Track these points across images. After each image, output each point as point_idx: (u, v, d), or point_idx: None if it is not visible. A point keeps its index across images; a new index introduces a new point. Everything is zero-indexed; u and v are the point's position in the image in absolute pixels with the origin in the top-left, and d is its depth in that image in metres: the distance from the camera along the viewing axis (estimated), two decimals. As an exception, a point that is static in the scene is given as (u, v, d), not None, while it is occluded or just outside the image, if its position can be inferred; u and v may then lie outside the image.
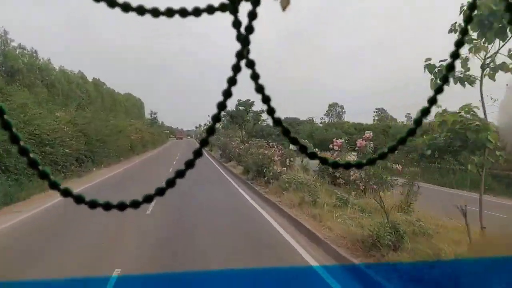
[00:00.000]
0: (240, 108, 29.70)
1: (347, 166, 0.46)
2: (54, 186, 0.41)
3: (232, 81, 0.47)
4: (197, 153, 0.45)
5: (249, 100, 30.24)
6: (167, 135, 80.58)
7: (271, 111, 0.46)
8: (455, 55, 0.47)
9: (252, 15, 0.47)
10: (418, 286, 3.37)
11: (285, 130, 0.45)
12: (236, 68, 0.47)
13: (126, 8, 0.44)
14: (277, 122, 0.46)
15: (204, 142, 0.45)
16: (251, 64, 0.46)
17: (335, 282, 3.85)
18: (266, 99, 0.46)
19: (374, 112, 58.94)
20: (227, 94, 0.46)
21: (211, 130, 0.45)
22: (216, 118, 0.45)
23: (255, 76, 0.46)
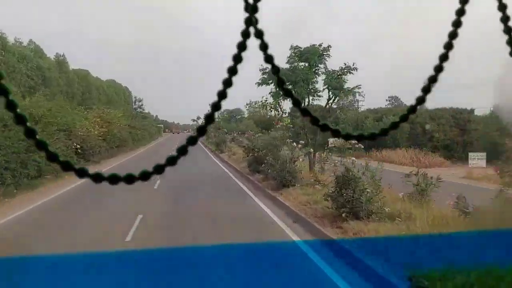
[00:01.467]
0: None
1: (359, 137, 0.51)
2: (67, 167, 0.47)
3: (242, 47, 0.52)
4: (191, 140, 0.50)
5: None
6: (160, 130, 79.90)
7: (281, 82, 0.51)
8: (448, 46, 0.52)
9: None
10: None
11: (295, 101, 0.51)
12: (246, 35, 0.52)
13: None
14: (288, 92, 0.51)
15: (201, 130, 0.50)
16: (259, 34, 0.52)
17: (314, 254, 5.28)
18: (275, 70, 0.51)
19: (386, 100, 58.59)
20: (238, 59, 0.51)
21: (210, 118, 0.50)
22: (215, 107, 0.50)
23: (264, 46, 0.52)
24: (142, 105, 69.23)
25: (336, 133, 0.53)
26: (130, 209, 8.37)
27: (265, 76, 14.55)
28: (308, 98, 15.09)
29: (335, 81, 14.40)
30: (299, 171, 11.64)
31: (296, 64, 14.66)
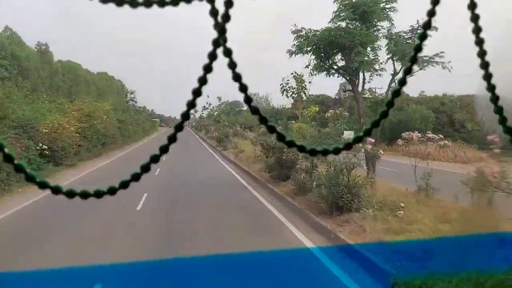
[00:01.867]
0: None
1: (325, 152, 0.60)
2: (30, 179, 0.56)
3: (208, 69, 0.61)
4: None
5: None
6: (155, 124, 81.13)
7: (248, 100, 0.60)
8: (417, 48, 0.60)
9: (229, 3, 0.61)
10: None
11: (262, 118, 0.60)
12: (212, 56, 0.61)
13: None
14: (255, 110, 0.60)
15: (179, 127, 0.60)
16: (228, 53, 0.61)
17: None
18: (243, 88, 0.60)
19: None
20: (203, 81, 0.61)
21: (186, 116, 0.60)
22: (191, 105, 0.60)
23: (232, 65, 0.61)
24: (134, 97, 69.01)
25: (301, 149, 0.62)
26: (136, 190, 9.57)
27: (301, 41, 11.53)
28: (363, 75, 11.29)
29: (404, 47, 10.54)
30: (362, 186, 8.22)
31: (346, 22, 10.83)
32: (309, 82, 15.54)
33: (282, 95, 17.29)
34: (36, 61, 33.53)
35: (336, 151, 0.61)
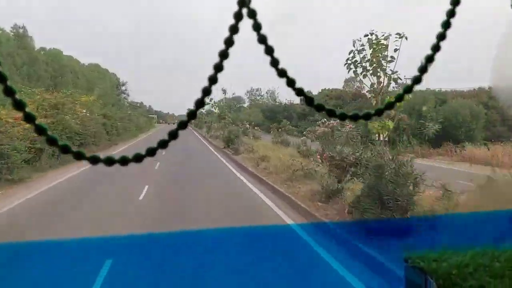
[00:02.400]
0: None
1: (355, 117, 0.68)
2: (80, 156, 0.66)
3: (234, 29, 0.68)
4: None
5: None
6: (152, 121, 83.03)
7: (275, 63, 0.68)
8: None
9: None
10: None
11: (289, 81, 0.67)
12: (238, 16, 0.69)
13: None
14: (282, 73, 0.68)
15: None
16: (252, 14, 0.68)
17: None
18: (269, 50, 0.68)
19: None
20: (229, 43, 0.68)
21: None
22: (219, 67, 0.67)
23: (257, 26, 0.69)
24: (126, 90, 70.45)
25: (331, 113, 0.70)
26: (139, 182, 13.41)
27: None
28: None
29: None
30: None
31: None
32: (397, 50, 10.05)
33: (348, 72, 11.12)
34: (10, 46, 33.77)
35: (367, 117, 0.68)
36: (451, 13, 0.68)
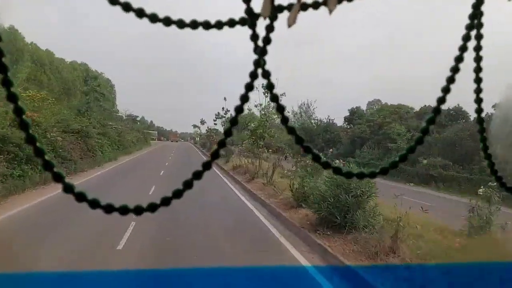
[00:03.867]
0: None
1: (360, 175, 0.71)
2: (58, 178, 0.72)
3: (249, 87, 0.75)
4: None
5: None
6: (147, 137, 74.40)
7: (285, 120, 0.73)
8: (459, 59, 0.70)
9: (270, 28, 0.76)
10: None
11: (298, 138, 0.72)
12: (253, 76, 0.76)
13: (154, 19, 0.74)
14: (291, 130, 0.73)
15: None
16: (267, 74, 0.75)
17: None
18: (280, 108, 0.74)
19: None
20: (245, 99, 0.75)
21: (229, 133, 0.73)
22: (234, 121, 0.73)
23: (270, 86, 0.75)
24: (99, 85, 49.94)
25: (337, 171, 0.73)
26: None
27: None
28: None
29: None
30: None
31: None
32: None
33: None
34: None
35: (373, 175, 0.71)
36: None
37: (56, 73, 44.42)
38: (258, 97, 23.53)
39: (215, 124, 46.89)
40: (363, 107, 68.12)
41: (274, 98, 0.78)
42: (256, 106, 24.81)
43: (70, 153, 23.14)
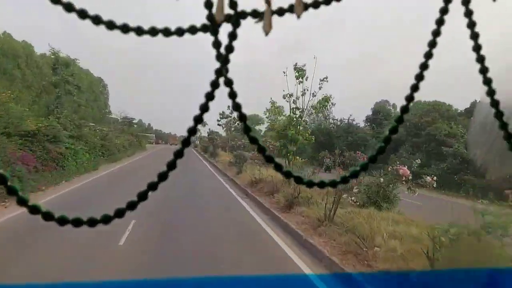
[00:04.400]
0: None
1: (321, 185, 0.71)
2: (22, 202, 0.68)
3: (209, 97, 0.74)
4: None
5: None
6: (140, 140, 68.77)
7: (247, 129, 0.72)
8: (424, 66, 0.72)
9: (232, 36, 0.75)
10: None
11: (260, 148, 0.72)
12: (214, 85, 0.75)
13: (111, 26, 0.73)
14: (253, 140, 0.72)
15: (179, 154, 0.72)
16: (229, 83, 0.75)
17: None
18: (242, 117, 0.73)
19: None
20: (205, 108, 0.74)
21: (186, 142, 0.72)
22: (192, 131, 0.72)
23: (233, 95, 0.74)
24: (72, 75, 38.51)
25: (298, 180, 0.73)
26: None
27: None
28: None
29: None
30: None
31: None
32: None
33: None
34: None
35: (333, 184, 0.71)
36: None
37: (35, 68, 39.91)
38: (286, 86, 18.14)
39: (219, 125, 46.79)
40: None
41: (237, 107, 0.77)
42: (284, 97, 19.00)
43: (12, 165, 15.28)
